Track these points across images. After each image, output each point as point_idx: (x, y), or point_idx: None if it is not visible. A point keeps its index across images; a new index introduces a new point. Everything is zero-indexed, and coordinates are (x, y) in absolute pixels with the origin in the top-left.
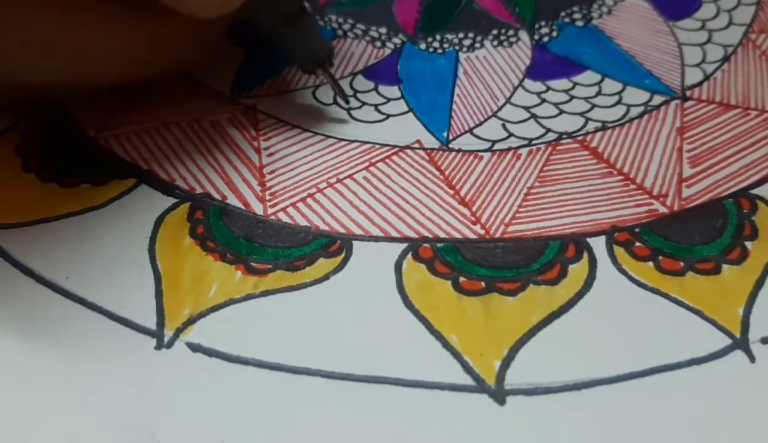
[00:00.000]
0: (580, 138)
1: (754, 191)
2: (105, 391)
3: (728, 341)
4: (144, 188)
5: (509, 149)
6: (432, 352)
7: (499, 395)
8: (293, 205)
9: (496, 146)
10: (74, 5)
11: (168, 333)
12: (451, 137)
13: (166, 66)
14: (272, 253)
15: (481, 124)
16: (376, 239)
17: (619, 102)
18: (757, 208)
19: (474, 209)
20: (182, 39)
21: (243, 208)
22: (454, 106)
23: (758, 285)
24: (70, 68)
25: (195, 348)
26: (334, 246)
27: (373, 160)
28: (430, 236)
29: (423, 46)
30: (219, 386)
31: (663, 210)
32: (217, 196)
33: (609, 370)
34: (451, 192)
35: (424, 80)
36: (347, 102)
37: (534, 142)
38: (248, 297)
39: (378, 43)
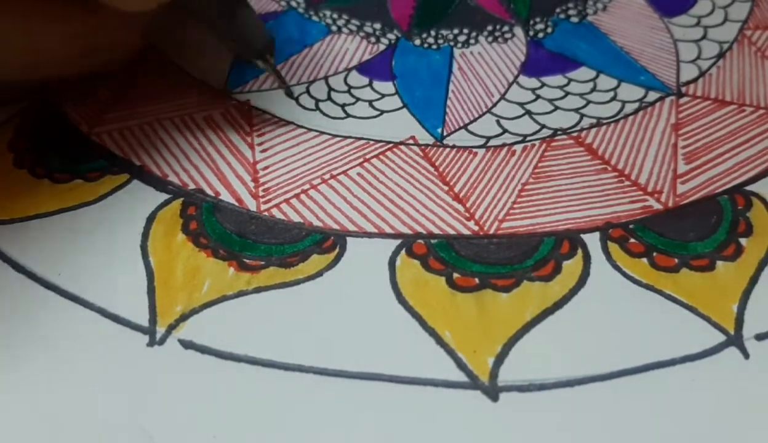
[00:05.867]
0: (574, 134)
1: (749, 187)
2: (97, 388)
3: (722, 337)
4: (137, 184)
5: (504, 145)
6: (425, 349)
7: (493, 391)
8: (286, 201)
9: (491, 142)
10: (7, 4)
11: (160, 330)
12: (445, 133)
13: (109, 58)
14: (265, 250)
15: (475, 120)
16: (369, 235)
17: (614, 98)
18: (752, 205)
19: (468, 205)
20: (114, 32)
21: (236, 203)
22: (449, 102)
23: (753, 281)
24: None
25: (187, 345)
26: (328, 242)
27: (367, 156)
28: (424, 232)
29: (417, 41)
30: (211, 383)
31: (657, 206)
32: (210, 192)
33: (603, 367)
34: (446, 188)
35: (418, 76)
36: (291, 94)
37: (528, 138)
38: (241, 294)
39: (372, 39)
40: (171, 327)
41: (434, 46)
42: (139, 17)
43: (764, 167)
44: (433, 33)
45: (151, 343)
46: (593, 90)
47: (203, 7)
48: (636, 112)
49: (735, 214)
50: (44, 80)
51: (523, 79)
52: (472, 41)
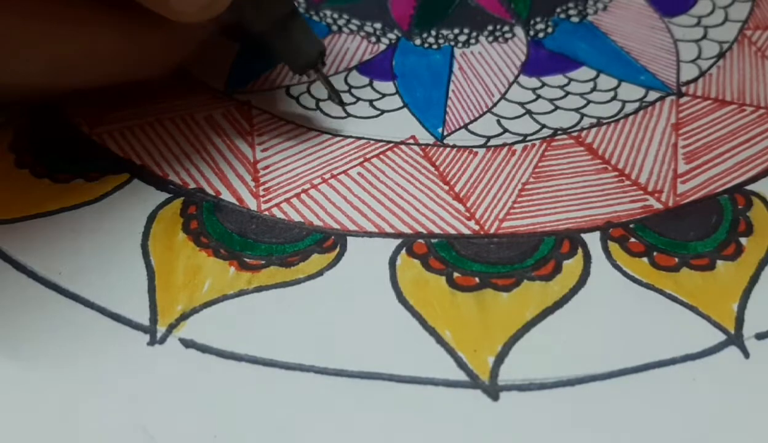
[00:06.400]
0: (575, 134)
1: (749, 187)
2: (97, 387)
3: (722, 337)
4: (137, 183)
5: (504, 145)
6: (426, 348)
7: (493, 391)
8: (287, 200)
9: (491, 142)
10: (62, 14)
11: (161, 329)
12: (445, 133)
13: (150, 70)
14: (266, 249)
15: (476, 119)
16: (370, 235)
17: (614, 98)
18: (752, 204)
19: (468, 205)
20: (166, 43)
21: (236, 203)
22: (449, 102)
23: (753, 281)
24: (54, 73)
25: (188, 344)
26: (328, 241)
27: (367, 156)
28: (425, 232)
29: (418, 41)
30: (212, 382)
31: (658, 206)
32: (210, 191)
33: (603, 366)
34: (446, 187)
35: (419, 76)
36: (341, 102)
37: (529, 137)
38: (241, 293)
39: (373, 39)
40: (172, 327)
41: (435, 46)
42: (189, 30)
43: (764, 167)
44: (433, 33)
45: (151, 342)
46: (593, 90)
47: (256, 19)
48: (636, 111)
49: (735, 214)
50: (86, 87)
51: (524, 79)
52: (472, 41)
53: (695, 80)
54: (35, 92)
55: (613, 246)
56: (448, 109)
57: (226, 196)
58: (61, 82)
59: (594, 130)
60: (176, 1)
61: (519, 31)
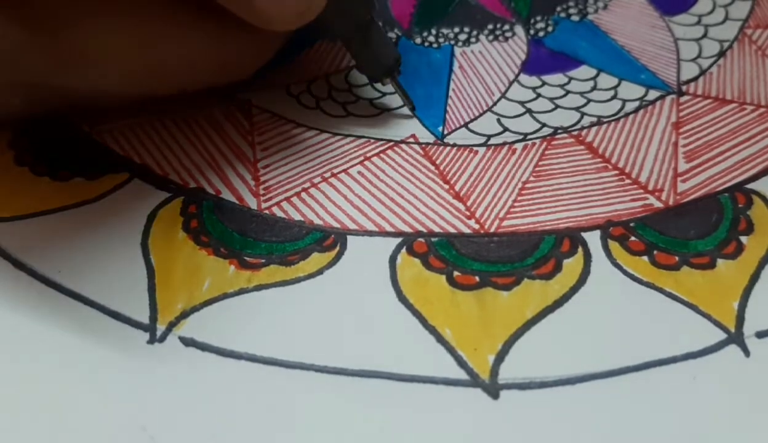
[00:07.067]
0: (575, 133)
1: (750, 186)
2: (97, 385)
3: (723, 335)
4: (137, 182)
5: (504, 144)
6: (426, 347)
7: (493, 389)
8: (287, 199)
9: (492, 141)
10: (165, 18)
11: (161, 328)
12: (446, 132)
13: (232, 76)
14: (266, 248)
15: (476, 118)
16: (370, 233)
17: (614, 97)
18: (753, 203)
19: (469, 204)
20: (252, 48)
21: (237, 202)
22: (450, 101)
23: (753, 279)
24: (136, 78)
25: (188, 342)
26: (328, 240)
27: (367, 155)
28: (425, 231)
29: (418, 40)
30: (212, 381)
31: (658, 204)
32: (210, 191)
33: (603, 365)
34: (446, 186)
35: (419, 74)
36: (413, 109)
37: (529, 136)
38: (241, 292)
39: None
40: (171, 325)
41: (435, 45)
42: (274, 34)
43: (765, 165)
44: (433, 31)
45: (151, 341)
46: (594, 88)
47: (339, 25)
48: (636, 110)
49: (735, 212)
50: (154, 96)
51: (524, 78)
52: (472, 40)
53: (696, 79)
54: (125, 99)
55: (614, 245)
56: (448, 108)
57: (226, 194)
58: (153, 87)
59: (594, 128)
60: (273, 10)
61: (519, 29)
